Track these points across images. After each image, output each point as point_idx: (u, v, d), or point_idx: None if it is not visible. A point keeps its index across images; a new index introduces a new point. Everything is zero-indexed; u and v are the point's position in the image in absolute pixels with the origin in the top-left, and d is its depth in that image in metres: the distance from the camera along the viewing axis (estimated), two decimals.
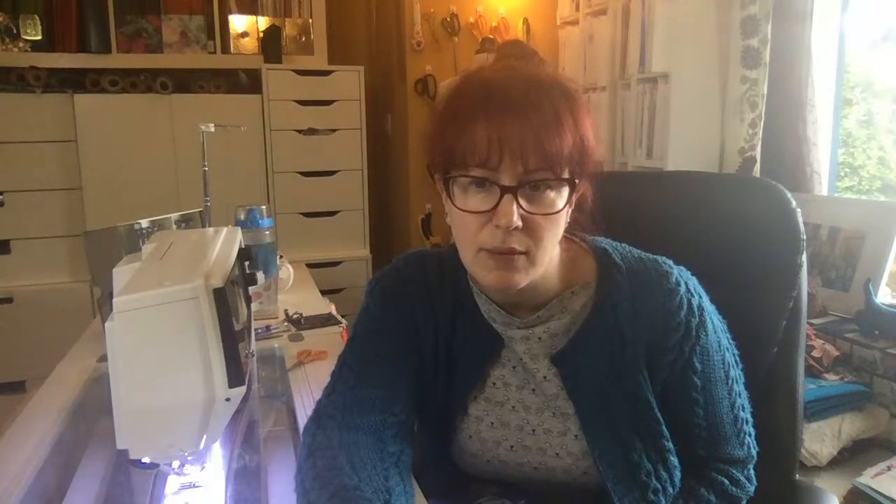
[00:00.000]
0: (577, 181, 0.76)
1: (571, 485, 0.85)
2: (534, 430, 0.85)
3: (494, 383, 0.87)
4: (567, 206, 0.76)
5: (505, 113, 0.72)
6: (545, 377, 0.84)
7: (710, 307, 0.85)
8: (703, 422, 0.83)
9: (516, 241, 0.73)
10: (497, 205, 0.72)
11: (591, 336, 0.82)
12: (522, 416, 0.86)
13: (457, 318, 0.88)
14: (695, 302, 0.82)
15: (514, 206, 0.72)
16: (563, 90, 0.76)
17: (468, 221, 0.75)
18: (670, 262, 0.85)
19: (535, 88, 0.74)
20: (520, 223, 0.72)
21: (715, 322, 0.85)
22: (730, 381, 0.85)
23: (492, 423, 0.87)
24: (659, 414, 0.82)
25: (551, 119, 0.72)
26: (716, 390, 0.83)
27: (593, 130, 0.77)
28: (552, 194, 0.74)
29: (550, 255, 0.79)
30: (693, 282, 0.84)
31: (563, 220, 0.78)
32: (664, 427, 0.82)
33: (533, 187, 0.73)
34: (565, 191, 0.75)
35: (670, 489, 0.82)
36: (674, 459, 0.82)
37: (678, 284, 0.82)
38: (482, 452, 0.87)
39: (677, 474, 0.83)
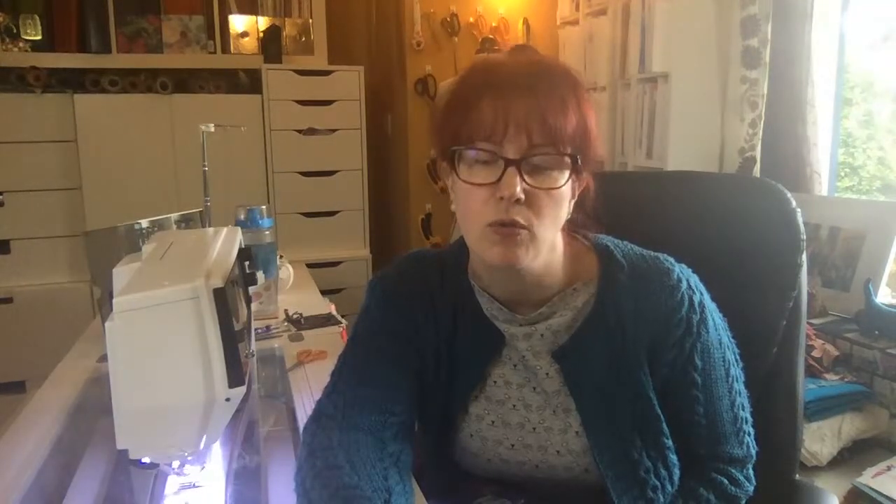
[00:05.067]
0: (579, 161, 0.77)
1: (572, 483, 0.85)
2: (535, 429, 0.85)
3: (495, 382, 0.87)
4: (571, 186, 0.77)
5: (511, 90, 0.74)
6: (547, 374, 0.84)
7: (711, 304, 0.85)
8: (703, 419, 0.84)
9: (519, 214, 0.74)
10: (501, 177, 0.74)
11: (592, 333, 0.83)
12: (523, 414, 0.86)
13: (458, 317, 0.88)
14: (696, 299, 0.82)
15: (518, 179, 0.73)
16: (568, 76, 0.78)
17: (473, 196, 0.76)
18: (672, 260, 0.85)
19: (541, 71, 0.77)
20: (522, 196, 0.73)
21: (716, 320, 0.85)
22: (730, 380, 0.85)
23: (493, 422, 0.87)
24: (659, 411, 0.82)
25: (556, 98, 0.75)
26: (716, 388, 0.84)
27: (596, 122, 0.78)
28: (555, 171, 0.76)
29: (552, 237, 0.79)
30: (694, 279, 0.85)
31: (566, 203, 0.79)
32: (664, 424, 0.82)
33: (536, 163, 0.75)
34: (567, 170, 0.76)
35: (669, 487, 0.82)
36: (673, 457, 0.82)
37: (680, 281, 0.82)
38: (483, 451, 0.87)
39: (676, 472, 0.83)
